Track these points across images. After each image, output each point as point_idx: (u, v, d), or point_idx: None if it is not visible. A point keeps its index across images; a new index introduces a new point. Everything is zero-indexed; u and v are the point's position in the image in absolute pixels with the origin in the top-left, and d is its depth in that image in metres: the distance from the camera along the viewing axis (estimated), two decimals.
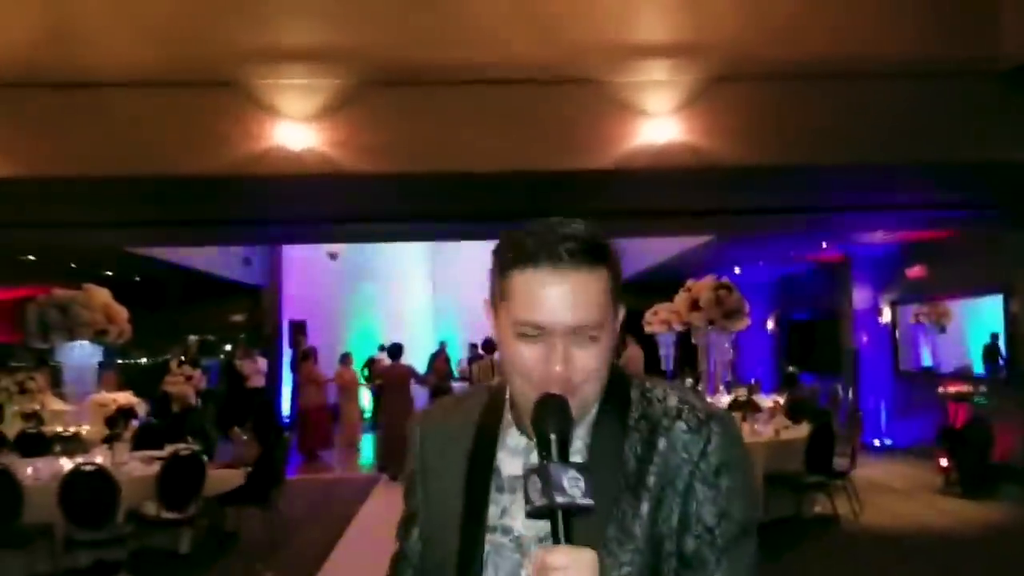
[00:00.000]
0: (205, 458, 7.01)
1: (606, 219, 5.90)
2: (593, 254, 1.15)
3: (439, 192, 6.14)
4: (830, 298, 13.20)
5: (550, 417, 1.08)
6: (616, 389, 1.21)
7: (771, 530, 7.34)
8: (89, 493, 5.99)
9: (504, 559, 1.19)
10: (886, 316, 11.86)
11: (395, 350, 11.39)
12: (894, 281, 11.70)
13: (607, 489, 1.12)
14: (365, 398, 16.00)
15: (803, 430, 7.91)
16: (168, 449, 6.89)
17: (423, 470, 1.33)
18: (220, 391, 16.58)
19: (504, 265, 1.21)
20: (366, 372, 16.89)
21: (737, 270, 14.22)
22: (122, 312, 9.28)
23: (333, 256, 16.74)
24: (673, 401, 1.21)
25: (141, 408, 12.33)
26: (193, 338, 18.67)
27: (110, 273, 15.20)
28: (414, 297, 19.13)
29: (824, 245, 11.26)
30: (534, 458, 1.10)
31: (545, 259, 1.14)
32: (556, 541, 1.01)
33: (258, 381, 16.96)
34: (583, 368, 1.14)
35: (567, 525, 1.01)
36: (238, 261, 17.09)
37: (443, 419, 1.36)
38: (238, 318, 19.12)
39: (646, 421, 1.19)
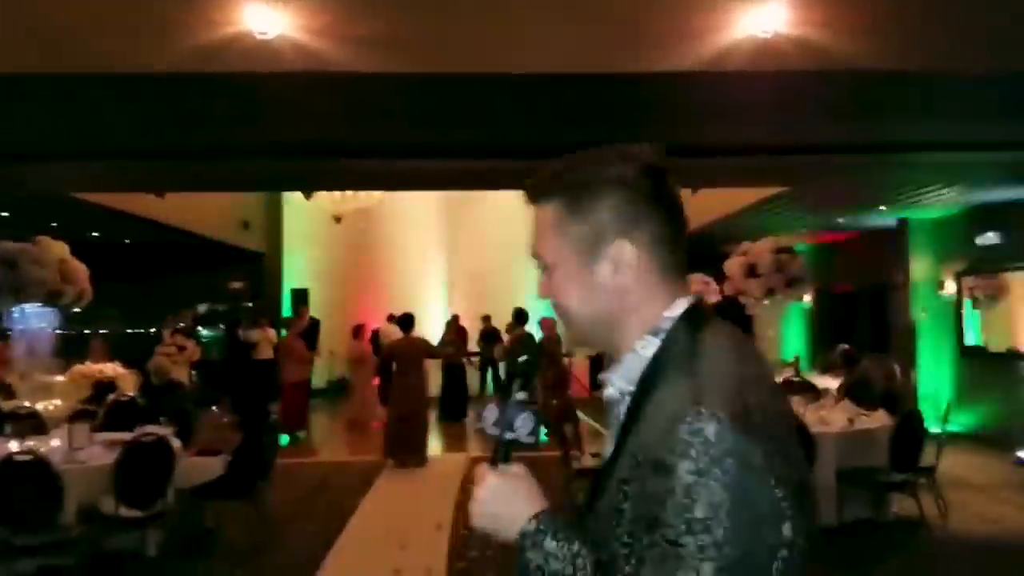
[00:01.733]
0: (177, 443, 5.92)
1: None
2: (537, 189, 1.25)
3: (453, 105, 4.90)
4: (878, 269, 11.96)
5: (518, 357, 1.32)
6: (675, 344, 1.16)
7: (846, 535, 6.23)
8: (25, 487, 4.90)
9: None
10: (949, 288, 10.64)
11: (407, 321, 10.20)
12: (960, 250, 10.47)
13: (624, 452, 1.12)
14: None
15: (879, 418, 6.76)
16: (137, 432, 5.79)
17: None
18: (217, 363, 15.54)
19: None
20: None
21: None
22: (81, 270, 8.11)
23: (338, 219, 15.56)
24: (689, 394, 1.07)
25: (129, 382, 11.26)
26: (203, 307, 17.52)
27: (97, 234, 14.10)
28: (425, 265, 17.93)
29: (883, 208, 10.04)
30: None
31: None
32: (493, 464, 1.24)
33: (268, 352, 15.92)
34: (541, 290, 1.27)
35: (506, 454, 1.24)
36: (236, 224, 15.96)
37: None
38: (237, 285, 18.01)
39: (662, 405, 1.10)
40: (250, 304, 17.24)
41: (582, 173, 1.21)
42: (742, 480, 1.01)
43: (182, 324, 14.35)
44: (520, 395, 1.28)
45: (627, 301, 1.20)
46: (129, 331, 16.12)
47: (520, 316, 10.35)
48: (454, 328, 14.66)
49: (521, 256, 15.04)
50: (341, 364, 15.97)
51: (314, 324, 13.94)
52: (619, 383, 1.21)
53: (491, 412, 1.28)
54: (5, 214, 10.98)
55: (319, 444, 11.86)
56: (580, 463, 6.99)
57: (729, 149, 5.72)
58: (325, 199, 15.21)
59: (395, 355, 9.93)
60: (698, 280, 11.60)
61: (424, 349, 10.18)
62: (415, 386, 9.82)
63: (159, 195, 12.30)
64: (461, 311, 16.78)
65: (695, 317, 1.18)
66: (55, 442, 5.95)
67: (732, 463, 1.01)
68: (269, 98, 5.06)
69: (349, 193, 15.23)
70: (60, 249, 7.97)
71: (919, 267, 11.22)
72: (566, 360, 15.34)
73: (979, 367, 10.28)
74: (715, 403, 1.04)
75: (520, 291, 16.86)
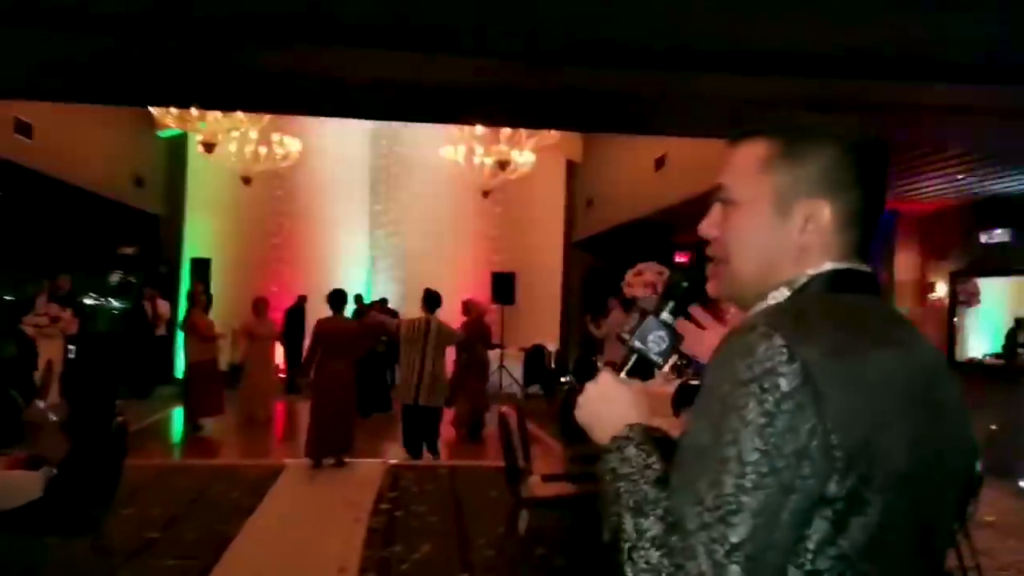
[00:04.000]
0: None
1: None
2: (754, 127, 1.21)
3: None
4: None
5: (681, 280, 1.28)
6: (800, 295, 1.14)
7: None
8: None
9: None
10: (940, 291, 9.46)
11: (337, 298, 8.61)
12: (957, 247, 9.28)
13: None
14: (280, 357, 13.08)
15: None
16: None
17: None
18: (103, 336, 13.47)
19: None
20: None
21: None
22: None
23: (247, 180, 13.67)
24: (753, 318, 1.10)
25: None
26: (115, 276, 15.28)
27: None
28: (346, 242, 16.07)
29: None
30: None
31: None
32: (618, 370, 1.25)
33: (161, 328, 13.94)
34: (710, 224, 1.22)
35: (634, 365, 1.25)
36: (128, 180, 13.87)
37: None
38: (128, 251, 15.84)
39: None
40: (161, 268, 15.18)
41: (807, 122, 1.19)
42: (784, 406, 0.96)
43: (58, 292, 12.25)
44: (667, 316, 1.26)
45: (797, 261, 1.15)
46: None
47: (432, 300, 8.66)
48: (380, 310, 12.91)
49: (448, 239, 13.34)
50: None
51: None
52: None
53: (635, 320, 1.27)
54: None
55: (212, 441, 9.99)
56: (528, 489, 5.37)
57: None
58: (233, 158, 13.33)
59: (323, 337, 8.40)
60: (652, 270, 10.32)
61: (356, 333, 8.80)
62: (342, 375, 8.35)
63: (25, 134, 10.33)
64: (385, 293, 15.10)
65: (840, 278, 1.14)
66: None
67: (778, 383, 0.96)
68: None
69: (262, 150, 13.39)
70: None
71: (905, 266, 10.00)
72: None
73: (974, 382, 9.12)
74: (777, 325, 1.01)
75: (450, 275, 15.34)
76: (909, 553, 1.04)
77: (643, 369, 1.24)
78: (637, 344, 1.23)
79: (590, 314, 12.04)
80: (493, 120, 8.54)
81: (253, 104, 7.94)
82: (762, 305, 1.16)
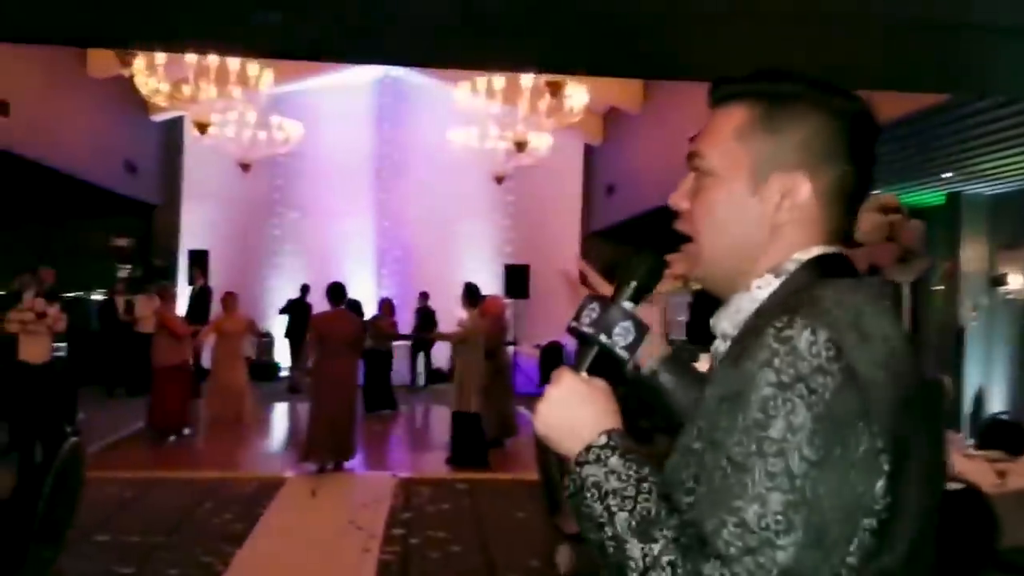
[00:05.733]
0: None
1: None
2: (734, 86, 1.09)
3: None
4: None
5: (641, 262, 1.12)
6: (794, 284, 1.02)
7: None
8: None
9: None
10: (1014, 283, 8.50)
11: (337, 292, 7.93)
12: None
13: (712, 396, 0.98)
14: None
15: None
16: None
17: None
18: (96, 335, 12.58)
19: None
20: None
21: None
22: None
23: (245, 167, 12.77)
24: (784, 311, 0.94)
25: None
26: (121, 272, 14.37)
27: None
28: (349, 233, 15.15)
29: (948, 174, 7.84)
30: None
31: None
32: (576, 368, 1.06)
33: (149, 325, 13.07)
34: (681, 195, 1.11)
35: (595, 362, 1.06)
36: (119, 166, 12.97)
37: None
38: (122, 243, 14.97)
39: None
40: (152, 263, 14.28)
41: (790, 86, 1.05)
42: (834, 406, 0.87)
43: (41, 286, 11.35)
44: (628, 304, 1.09)
45: (772, 240, 1.05)
46: None
47: (473, 293, 7.98)
48: (390, 311, 12.03)
49: (457, 228, 12.52)
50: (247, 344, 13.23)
51: (204, 291, 11.20)
52: (723, 325, 1.09)
53: (591, 308, 1.08)
54: None
55: (198, 453, 9.07)
56: (571, 523, 4.47)
57: None
58: (230, 143, 12.44)
59: (321, 333, 7.75)
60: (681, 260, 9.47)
61: (359, 329, 8.18)
62: (343, 373, 7.74)
63: (2, 113, 9.44)
64: (389, 288, 14.24)
65: (827, 264, 1.04)
66: None
67: (825, 383, 0.87)
68: None
69: (261, 135, 12.50)
70: None
71: (971, 256, 9.05)
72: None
73: None
74: (815, 316, 0.91)
75: (460, 267, 14.49)
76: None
77: (605, 366, 1.07)
78: (602, 338, 1.06)
79: None
80: (538, 61, 6.82)
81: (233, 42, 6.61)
82: (746, 295, 1.06)
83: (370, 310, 13.34)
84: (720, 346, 1.08)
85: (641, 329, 1.07)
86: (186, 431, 9.15)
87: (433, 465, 8.15)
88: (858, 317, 0.93)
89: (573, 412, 1.02)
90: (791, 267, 1.03)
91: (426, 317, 13.66)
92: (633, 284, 1.09)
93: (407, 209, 15.19)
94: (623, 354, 1.06)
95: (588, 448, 0.98)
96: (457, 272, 14.63)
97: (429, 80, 13.83)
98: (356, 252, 15.10)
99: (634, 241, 13.07)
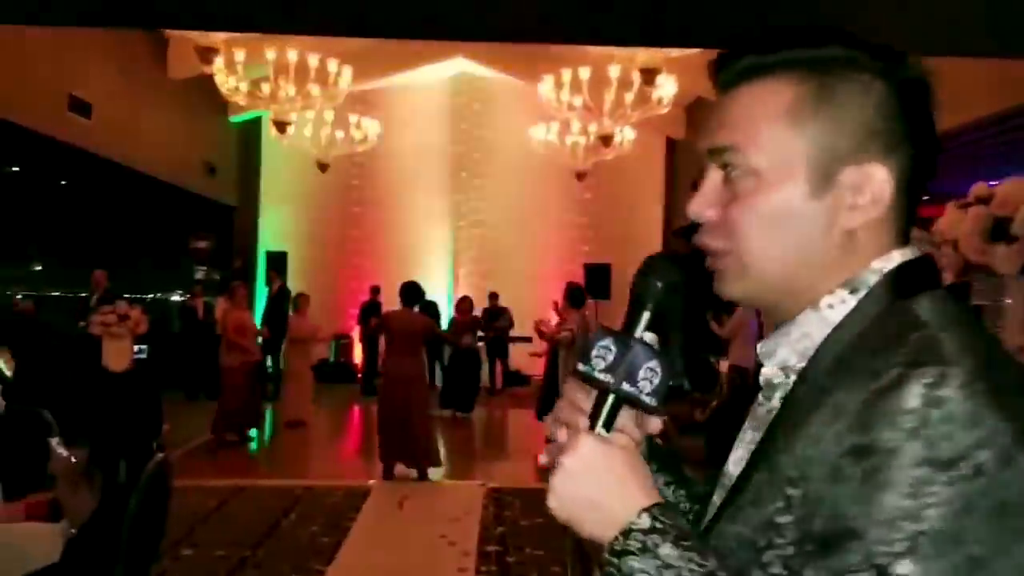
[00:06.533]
0: None
1: None
2: (758, 60, 0.86)
3: None
4: None
5: (652, 279, 0.89)
6: (878, 305, 0.82)
7: None
8: None
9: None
10: None
11: (411, 292, 7.66)
12: None
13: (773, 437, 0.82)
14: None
15: None
16: None
17: None
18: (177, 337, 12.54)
19: None
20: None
21: None
22: None
23: (323, 167, 12.62)
24: (905, 353, 0.74)
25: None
26: (199, 274, 14.39)
27: (16, 169, 11.13)
28: (426, 231, 14.92)
29: None
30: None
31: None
32: (592, 426, 0.86)
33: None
34: (706, 202, 0.88)
35: (612, 412, 0.86)
36: (199, 167, 12.96)
37: None
38: (202, 245, 14.99)
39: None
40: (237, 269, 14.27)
41: (842, 49, 0.84)
42: (1002, 480, 0.68)
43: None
44: (648, 335, 0.87)
45: (843, 248, 0.84)
46: (56, 293, 13.08)
47: (577, 295, 7.69)
48: (469, 310, 11.76)
49: (536, 228, 12.18)
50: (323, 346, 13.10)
51: (283, 293, 11.06)
52: (783, 353, 0.87)
53: (605, 347, 0.86)
54: None
55: (276, 458, 8.86)
56: None
57: None
58: (308, 142, 12.28)
59: (388, 326, 7.66)
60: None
61: (425, 327, 7.85)
62: (408, 374, 7.47)
63: (83, 113, 9.40)
64: (467, 290, 13.97)
65: (914, 275, 0.84)
66: None
67: (989, 457, 0.68)
68: None
69: (339, 134, 12.31)
70: None
71: None
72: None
73: None
74: (955, 360, 0.71)
75: (539, 267, 14.15)
76: None
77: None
78: (626, 387, 0.85)
79: (712, 311, 10.60)
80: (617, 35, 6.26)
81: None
82: (813, 316, 0.85)
83: (446, 311, 13.14)
84: (776, 377, 0.88)
85: (667, 368, 0.86)
86: (250, 433, 9.00)
87: (522, 474, 7.79)
88: (990, 349, 0.77)
89: (599, 489, 0.83)
90: (871, 279, 0.85)
91: (493, 317, 13.36)
92: (648, 310, 0.88)
93: (483, 208, 14.90)
94: (650, 401, 0.85)
95: (627, 532, 0.80)
96: (536, 272, 14.29)
97: (505, 77, 13.52)
98: (432, 252, 14.87)
99: None
